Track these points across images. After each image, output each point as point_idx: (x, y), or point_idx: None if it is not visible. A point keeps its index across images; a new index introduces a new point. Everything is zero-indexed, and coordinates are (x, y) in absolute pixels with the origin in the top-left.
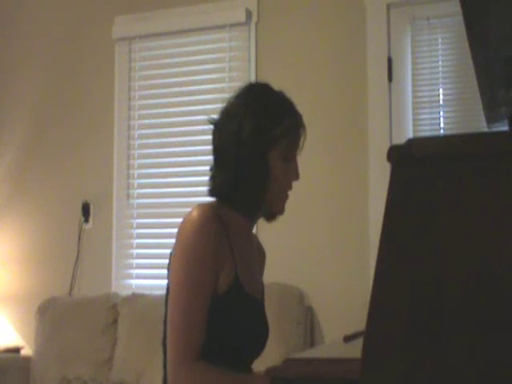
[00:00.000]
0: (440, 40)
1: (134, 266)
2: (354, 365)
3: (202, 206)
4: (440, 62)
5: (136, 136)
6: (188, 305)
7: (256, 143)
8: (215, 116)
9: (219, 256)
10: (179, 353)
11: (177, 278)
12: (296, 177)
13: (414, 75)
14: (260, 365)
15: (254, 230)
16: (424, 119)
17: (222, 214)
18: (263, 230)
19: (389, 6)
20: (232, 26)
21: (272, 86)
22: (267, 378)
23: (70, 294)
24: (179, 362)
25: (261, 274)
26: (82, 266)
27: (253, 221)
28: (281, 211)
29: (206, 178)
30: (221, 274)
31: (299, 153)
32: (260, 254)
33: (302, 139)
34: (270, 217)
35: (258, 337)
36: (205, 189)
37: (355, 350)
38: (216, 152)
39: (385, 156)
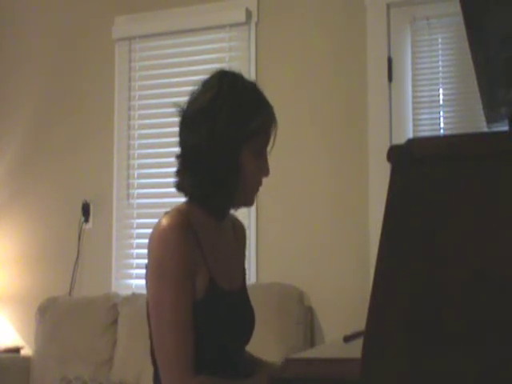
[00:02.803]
0: (440, 40)
1: (134, 266)
2: (354, 365)
3: (169, 215)
4: (440, 62)
5: (136, 136)
6: (173, 323)
7: (229, 143)
8: (183, 107)
9: (192, 263)
10: (175, 374)
11: (156, 296)
12: (266, 172)
13: (414, 75)
14: None
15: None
16: (424, 119)
17: (190, 215)
18: (263, 230)
19: (389, 6)
20: (232, 25)
21: (243, 75)
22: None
23: (69, 294)
24: (175, 381)
25: (242, 256)
26: (82, 266)
27: (223, 217)
28: (250, 204)
29: None
30: (196, 280)
31: (271, 149)
32: (237, 234)
33: (273, 136)
34: (238, 208)
35: (244, 328)
36: None
37: (355, 349)
38: (185, 149)
39: (385, 156)
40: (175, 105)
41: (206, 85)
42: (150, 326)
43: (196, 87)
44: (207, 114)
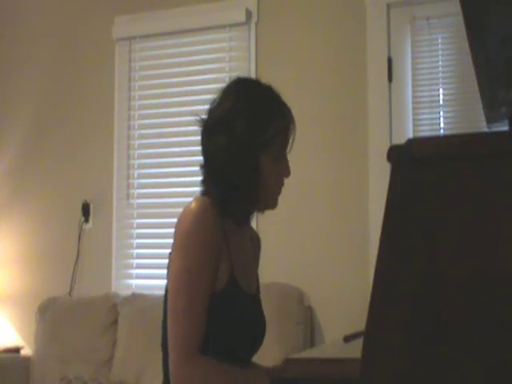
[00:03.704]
0: (440, 40)
1: (134, 266)
2: (354, 365)
3: (201, 197)
4: (440, 62)
5: (136, 136)
6: (190, 294)
7: (248, 150)
8: (203, 116)
9: (218, 248)
10: (183, 347)
11: (178, 269)
12: (287, 174)
13: (414, 75)
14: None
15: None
16: (424, 119)
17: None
18: (264, 230)
19: (389, 6)
20: (232, 26)
21: (259, 81)
22: (266, 376)
23: (69, 294)
24: (182, 356)
25: (256, 265)
26: (82, 266)
27: (245, 222)
28: (274, 206)
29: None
30: (219, 269)
31: (289, 150)
32: (254, 244)
33: (291, 137)
34: (263, 210)
35: (256, 332)
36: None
37: (355, 349)
38: (206, 158)
39: (385, 156)
40: (193, 113)
41: (224, 94)
42: (164, 314)
43: (215, 96)
44: (225, 124)
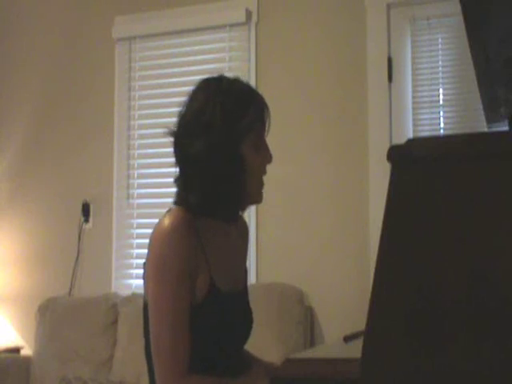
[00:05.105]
0: (440, 40)
1: (134, 266)
2: (354, 365)
3: (172, 213)
4: (440, 62)
5: (136, 136)
6: (170, 322)
7: (228, 143)
8: (173, 126)
9: (193, 264)
10: (170, 372)
11: (155, 295)
12: (269, 159)
13: (414, 75)
14: None
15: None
16: (424, 119)
17: (192, 217)
18: (264, 230)
19: (389, 6)
20: (232, 25)
21: (225, 74)
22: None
23: (69, 294)
24: (172, 382)
25: (244, 255)
26: (82, 266)
27: (234, 220)
28: (259, 200)
29: None
30: (197, 282)
31: (267, 134)
32: (242, 232)
33: (267, 122)
34: (249, 205)
35: (242, 328)
36: None
37: (355, 349)
38: (186, 163)
39: (385, 156)
40: (167, 129)
41: (193, 95)
42: (145, 324)
43: (182, 105)
44: (201, 122)
